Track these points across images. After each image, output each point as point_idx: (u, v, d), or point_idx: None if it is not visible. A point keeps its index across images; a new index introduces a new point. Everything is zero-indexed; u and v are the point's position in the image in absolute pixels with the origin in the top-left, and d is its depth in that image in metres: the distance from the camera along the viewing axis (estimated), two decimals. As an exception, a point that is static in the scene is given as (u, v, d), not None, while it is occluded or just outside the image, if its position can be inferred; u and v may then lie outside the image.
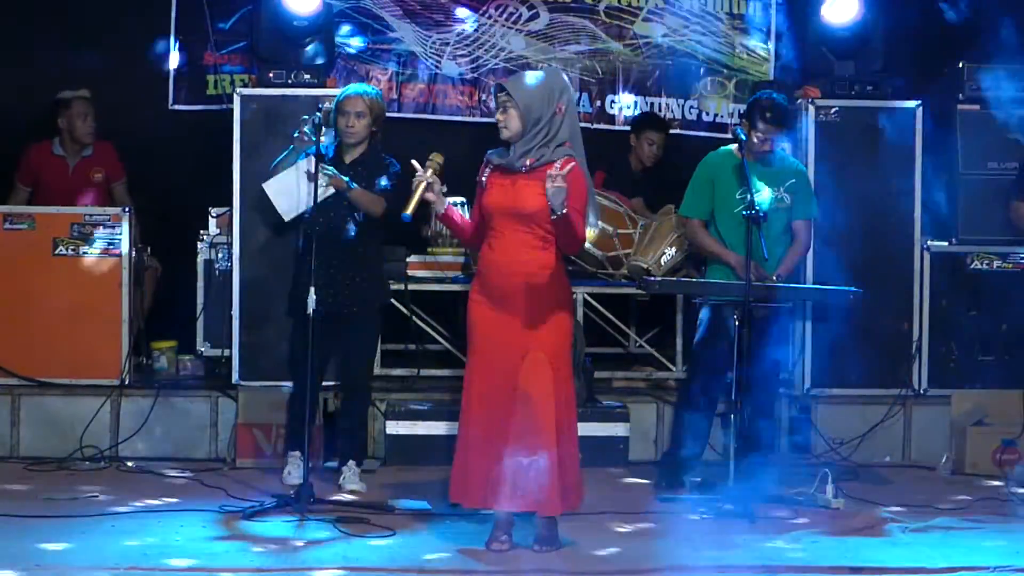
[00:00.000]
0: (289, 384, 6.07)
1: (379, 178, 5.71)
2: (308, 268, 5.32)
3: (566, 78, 4.99)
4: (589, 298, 6.89)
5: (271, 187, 5.66)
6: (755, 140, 5.74)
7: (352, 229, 5.54)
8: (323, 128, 5.58)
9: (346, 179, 5.45)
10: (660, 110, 8.33)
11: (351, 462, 5.61)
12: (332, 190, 5.48)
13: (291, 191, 5.54)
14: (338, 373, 5.84)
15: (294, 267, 5.84)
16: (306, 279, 5.31)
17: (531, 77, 4.82)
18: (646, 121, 7.75)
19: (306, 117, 5.59)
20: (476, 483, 4.72)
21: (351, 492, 5.45)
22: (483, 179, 4.74)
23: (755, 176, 5.81)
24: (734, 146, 6.02)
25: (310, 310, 5.26)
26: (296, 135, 5.51)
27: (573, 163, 4.62)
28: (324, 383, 6.02)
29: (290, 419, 6.04)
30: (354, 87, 5.77)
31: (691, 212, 6.01)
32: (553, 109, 4.49)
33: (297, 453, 5.70)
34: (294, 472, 5.71)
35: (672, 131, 8.23)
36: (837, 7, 6.89)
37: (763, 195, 5.81)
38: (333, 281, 5.50)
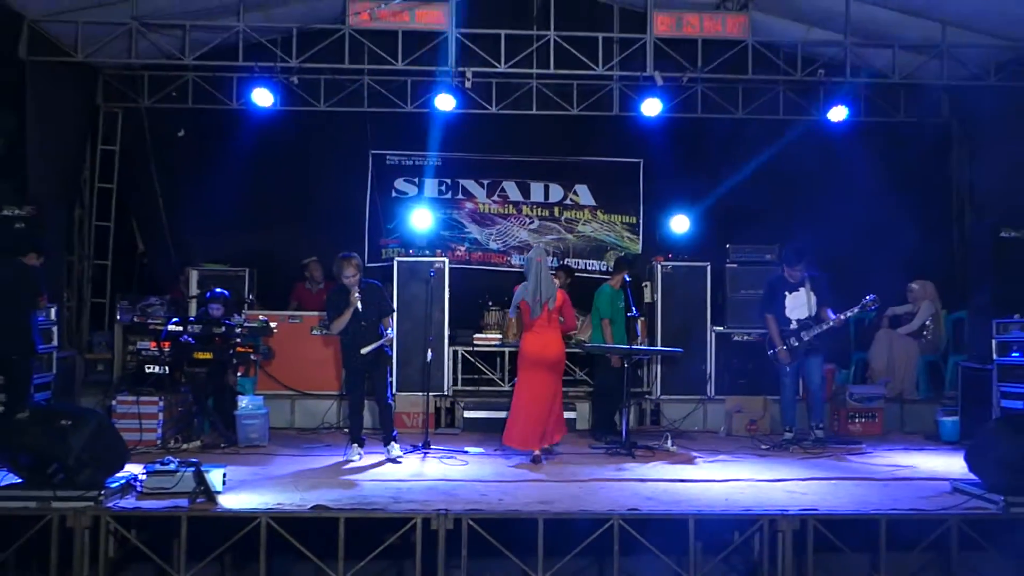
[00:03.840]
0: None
1: (383, 305, 8.01)
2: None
3: (535, 252, 8.05)
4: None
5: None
6: (626, 279, 8.90)
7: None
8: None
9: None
10: (586, 266, 12.20)
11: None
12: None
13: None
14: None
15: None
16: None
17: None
18: (562, 268, 10.90)
19: (357, 294, 7.75)
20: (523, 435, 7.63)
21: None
22: None
23: (621, 296, 8.99)
24: (613, 280, 9.12)
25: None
26: (350, 298, 7.72)
27: (519, 287, 7.86)
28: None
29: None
30: (346, 256, 7.82)
31: (607, 315, 9.07)
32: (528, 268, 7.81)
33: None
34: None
35: (585, 275, 11.75)
36: (677, 224, 10.90)
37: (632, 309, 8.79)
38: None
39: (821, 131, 11.50)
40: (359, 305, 7.65)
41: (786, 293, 8.95)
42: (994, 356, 8.95)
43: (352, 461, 7.72)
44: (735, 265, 10.37)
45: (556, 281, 8.30)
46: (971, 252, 10.41)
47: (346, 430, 8.45)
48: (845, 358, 10.78)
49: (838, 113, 11.16)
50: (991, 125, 11.06)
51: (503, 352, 10.58)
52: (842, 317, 8.75)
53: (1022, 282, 9.12)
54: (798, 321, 8.91)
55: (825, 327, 8.77)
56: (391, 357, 8.03)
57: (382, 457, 7.83)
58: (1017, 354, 8.72)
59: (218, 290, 9.04)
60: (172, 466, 6.23)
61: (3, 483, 5.91)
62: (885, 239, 11.15)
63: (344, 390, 8.79)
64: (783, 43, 10.72)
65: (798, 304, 8.88)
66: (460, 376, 10.42)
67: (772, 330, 8.94)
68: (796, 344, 8.90)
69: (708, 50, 10.08)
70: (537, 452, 7.73)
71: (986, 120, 11.18)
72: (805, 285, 8.88)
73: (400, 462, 7.66)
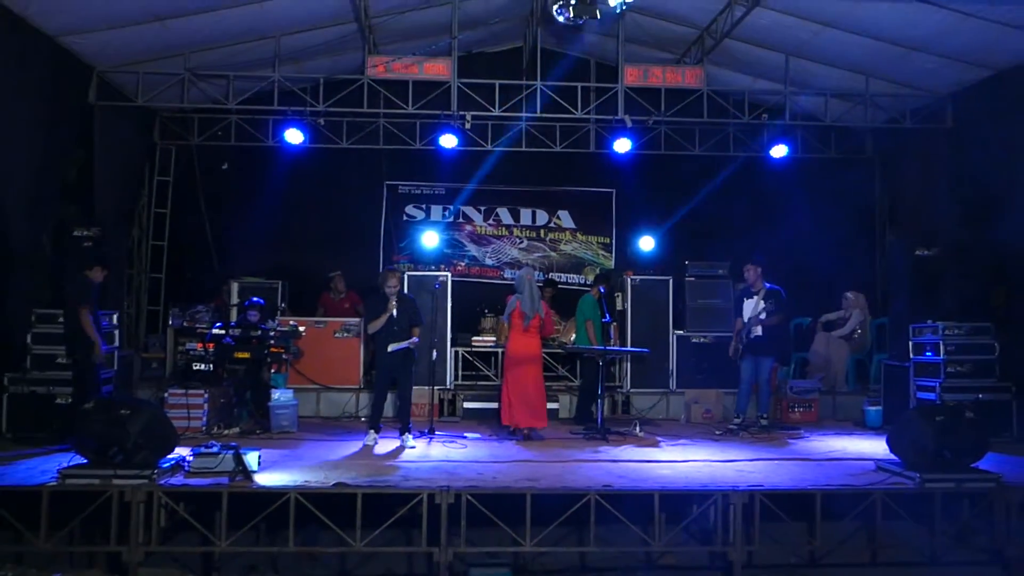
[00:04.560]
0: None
1: (413, 316, 7.78)
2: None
3: (525, 271, 8.19)
4: (546, 354, 9.63)
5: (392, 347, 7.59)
6: (601, 291, 9.03)
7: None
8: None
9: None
10: (567, 280, 12.06)
11: None
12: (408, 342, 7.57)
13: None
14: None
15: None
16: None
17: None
18: (548, 282, 11.31)
19: (394, 303, 7.59)
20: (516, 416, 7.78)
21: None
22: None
23: (598, 305, 8.94)
24: (593, 291, 9.12)
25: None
26: (388, 305, 7.64)
27: (511, 297, 8.03)
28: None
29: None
30: (391, 269, 8.35)
31: (590, 317, 8.92)
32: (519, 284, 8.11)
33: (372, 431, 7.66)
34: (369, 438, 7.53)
35: (566, 287, 11.59)
36: (644, 243, 10.90)
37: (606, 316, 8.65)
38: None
39: (765, 165, 11.50)
40: (394, 312, 7.63)
41: (744, 300, 8.88)
42: (911, 355, 8.91)
43: (369, 445, 7.66)
44: (692, 278, 10.37)
45: (543, 292, 8.32)
46: (891, 267, 10.40)
47: (363, 419, 8.40)
48: (786, 356, 10.70)
49: (779, 150, 11.21)
50: (906, 160, 11.14)
51: (497, 352, 10.54)
52: (755, 317, 8.64)
53: (934, 293, 9.12)
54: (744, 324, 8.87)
55: (751, 329, 8.67)
56: (416, 360, 7.91)
57: (396, 443, 7.73)
58: (930, 354, 8.67)
59: (255, 299, 8.93)
60: (215, 449, 6.16)
61: (71, 463, 5.86)
62: (819, 256, 11.14)
63: (364, 383, 8.86)
64: (733, 91, 10.81)
65: (748, 310, 8.79)
66: (460, 372, 10.45)
67: (735, 330, 8.96)
68: (742, 342, 8.82)
69: (670, 97, 10.20)
70: (526, 431, 7.82)
71: (902, 156, 11.26)
72: (759, 294, 8.75)
73: (413, 448, 7.63)
